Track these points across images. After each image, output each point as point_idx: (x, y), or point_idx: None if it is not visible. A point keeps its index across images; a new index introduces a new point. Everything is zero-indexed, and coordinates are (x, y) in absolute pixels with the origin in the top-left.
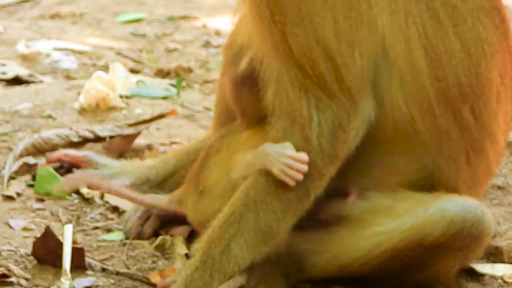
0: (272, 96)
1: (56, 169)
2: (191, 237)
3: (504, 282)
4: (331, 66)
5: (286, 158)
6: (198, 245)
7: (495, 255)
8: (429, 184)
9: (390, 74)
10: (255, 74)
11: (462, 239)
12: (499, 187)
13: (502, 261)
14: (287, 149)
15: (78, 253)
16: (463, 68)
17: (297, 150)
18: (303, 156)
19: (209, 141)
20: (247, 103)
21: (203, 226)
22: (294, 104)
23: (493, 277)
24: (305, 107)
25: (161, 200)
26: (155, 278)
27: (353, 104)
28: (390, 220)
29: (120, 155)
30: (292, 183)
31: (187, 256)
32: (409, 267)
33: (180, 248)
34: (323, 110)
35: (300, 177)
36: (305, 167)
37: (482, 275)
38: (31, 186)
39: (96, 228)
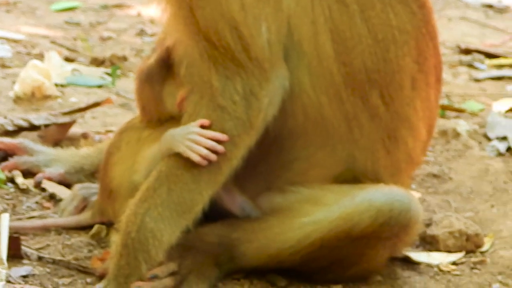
0: (185, 71)
1: None
2: None
3: (440, 270)
4: (237, 37)
5: (192, 134)
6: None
7: (431, 244)
8: (352, 176)
9: (297, 57)
10: (159, 74)
11: (390, 228)
12: (435, 176)
13: (438, 250)
14: (192, 127)
15: (14, 242)
16: (370, 54)
17: (210, 121)
18: (210, 132)
19: (110, 139)
20: (147, 101)
21: None
22: (204, 75)
23: (429, 265)
24: (215, 77)
25: (85, 216)
26: (95, 263)
27: (263, 72)
28: (318, 210)
29: (56, 143)
30: (197, 158)
31: None
32: (340, 259)
33: (115, 236)
34: (232, 79)
35: (205, 152)
36: (211, 143)
37: (418, 263)
38: None
39: (32, 217)
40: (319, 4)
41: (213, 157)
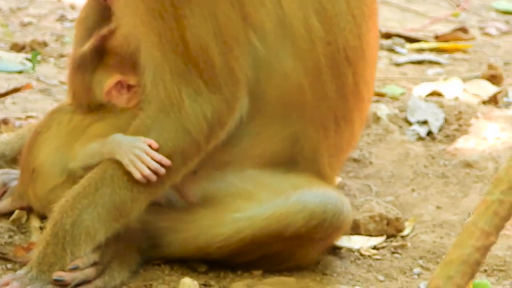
0: (149, 84)
1: None
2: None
3: (361, 255)
4: (223, 60)
5: (139, 150)
6: (49, 218)
7: (352, 228)
8: (291, 153)
9: (283, 44)
10: (91, 63)
11: (324, 230)
12: (355, 160)
13: (359, 234)
14: (141, 143)
15: None
16: (349, 31)
17: (168, 137)
18: (157, 155)
19: (38, 120)
20: (77, 88)
21: (47, 209)
22: (172, 95)
23: (350, 250)
24: (187, 102)
25: (5, 203)
26: (19, 252)
27: (235, 100)
28: (251, 206)
29: None
30: (138, 176)
31: (41, 229)
32: (270, 255)
33: (35, 222)
34: (203, 105)
35: (147, 172)
36: (156, 165)
37: (339, 248)
38: None
39: None
40: None
41: (153, 178)
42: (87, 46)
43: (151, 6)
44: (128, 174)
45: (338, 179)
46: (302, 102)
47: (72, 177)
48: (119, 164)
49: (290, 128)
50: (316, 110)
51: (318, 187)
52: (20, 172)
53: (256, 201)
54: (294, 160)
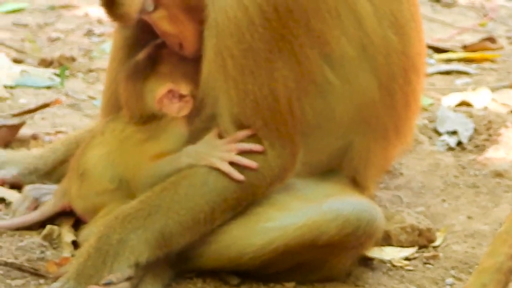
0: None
1: None
2: (76, 226)
3: (393, 266)
4: (300, 107)
5: (225, 151)
6: (94, 231)
7: (383, 239)
8: (337, 163)
9: (365, 66)
10: (143, 71)
11: (357, 238)
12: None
13: (391, 245)
14: (223, 144)
15: None
16: (415, 38)
17: (225, 187)
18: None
19: (94, 127)
20: (130, 97)
21: (88, 213)
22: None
23: (381, 261)
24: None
25: (49, 205)
26: (51, 268)
27: (299, 150)
28: (283, 215)
29: (5, 145)
30: (238, 174)
31: (74, 244)
32: (301, 265)
33: (67, 237)
34: (271, 159)
35: (246, 161)
36: (247, 161)
37: (371, 259)
38: None
39: None
40: None
41: (241, 177)
42: (141, 54)
43: (242, 63)
44: (184, 209)
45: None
46: (371, 116)
47: (120, 187)
48: (176, 197)
49: (346, 140)
50: (382, 121)
51: (351, 196)
52: (68, 172)
53: (288, 210)
54: (336, 170)
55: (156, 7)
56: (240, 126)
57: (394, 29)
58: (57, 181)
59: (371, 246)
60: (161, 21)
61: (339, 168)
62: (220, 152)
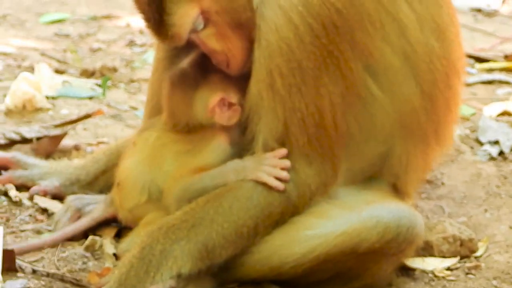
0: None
1: None
2: (118, 236)
3: (435, 276)
4: (344, 123)
5: (269, 164)
6: (136, 242)
7: (425, 249)
8: (378, 169)
9: (409, 75)
10: (193, 78)
11: (398, 245)
12: (427, 181)
13: (432, 255)
14: (267, 158)
15: (8, 255)
16: (455, 42)
17: (266, 200)
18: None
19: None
20: (177, 105)
21: (129, 222)
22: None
23: (423, 271)
24: (295, 173)
25: (97, 212)
26: (93, 279)
27: (340, 165)
28: (324, 223)
29: (48, 156)
30: (278, 184)
31: (115, 255)
32: (343, 272)
33: (109, 248)
34: (310, 175)
35: (285, 174)
36: (286, 174)
37: (413, 269)
38: None
39: (25, 230)
40: (421, 3)
41: (281, 187)
42: (187, 62)
43: (291, 81)
44: (228, 222)
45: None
46: (412, 121)
47: (154, 198)
48: (220, 210)
49: (386, 145)
50: (422, 126)
51: (390, 202)
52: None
53: (328, 218)
54: (377, 177)
55: (205, 25)
56: (283, 143)
57: (435, 34)
58: (99, 191)
59: (411, 253)
60: (210, 39)
61: (380, 175)
62: (267, 167)
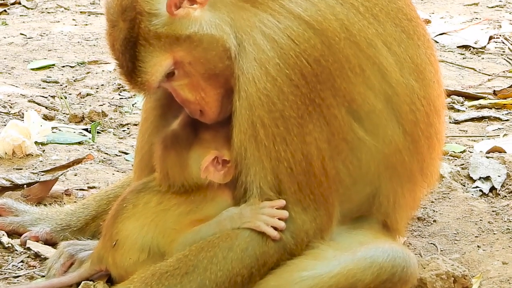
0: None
1: None
2: (110, 281)
3: None
4: (334, 167)
5: (266, 212)
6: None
7: (419, 287)
8: (367, 208)
9: (392, 117)
10: (186, 140)
11: (393, 285)
12: (419, 219)
13: None
14: (264, 207)
15: None
16: (433, 80)
17: (259, 248)
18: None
19: (122, 194)
20: (172, 167)
21: (123, 279)
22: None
23: None
24: (290, 221)
25: (85, 268)
26: None
27: (335, 209)
28: (318, 264)
29: (39, 202)
30: (275, 234)
31: None
32: None
33: None
34: (307, 222)
35: (282, 224)
36: (283, 224)
37: None
38: None
39: (18, 275)
40: (399, 46)
41: (277, 236)
42: (177, 123)
43: (274, 131)
44: (222, 271)
45: (402, 238)
46: (398, 162)
47: (154, 257)
48: (214, 260)
49: (373, 186)
50: (407, 165)
51: (384, 242)
52: (101, 238)
53: (323, 259)
54: (366, 215)
55: (178, 75)
56: (276, 190)
57: (414, 75)
58: (91, 236)
59: None
60: (182, 89)
61: (369, 213)
62: (265, 216)
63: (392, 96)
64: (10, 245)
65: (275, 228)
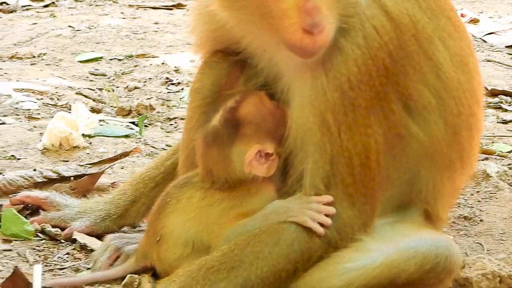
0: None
1: (22, 210)
2: (156, 275)
3: None
4: (385, 162)
5: (312, 207)
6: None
7: (464, 286)
8: (407, 196)
9: (441, 112)
10: (228, 136)
11: (437, 275)
12: (466, 218)
13: None
14: (311, 202)
15: None
16: (475, 71)
17: (306, 243)
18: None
19: (165, 189)
20: (214, 164)
21: (170, 273)
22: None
23: None
24: (338, 214)
25: (129, 264)
26: None
27: (378, 204)
28: (361, 256)
29: (85, 194)
30: (321, 230)
31: None
32: None
33: (147, 287)
34: (353, 217)
35: (329, 221)
36: (329, 221)
37: None
38: None
39: (64, 268)
40: (450, 39)
41: (322, 231)
42: (217, 120)
43: (342, 119)
44: (267, 266)
45: (449, 237)
46: (435, 151)
47: (198, 251)
48: (260, 255)
49: (411, 173)
50: (447, 154)
51: (427, 233)
52: (145, 234)
53: (366, 251)
54: (408, 206)
55: None
56: (329, 184)
57: (461, 68)
58: (132, 222)
59: (449, 284)
60: None
61: (410, 202)
62: (312, 212)
63: (440, 91)
64: (58, 234)
65: (321, 224)
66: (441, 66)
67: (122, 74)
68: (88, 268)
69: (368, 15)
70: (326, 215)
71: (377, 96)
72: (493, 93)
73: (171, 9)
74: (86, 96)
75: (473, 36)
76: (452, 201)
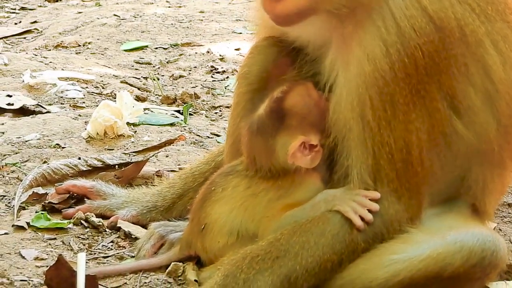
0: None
1: (67, 199)
2: (200, 263)
3: None
4: (430, 159)
5: (358, 200)
6: (220, 269)
7: (508, 273)
8: (456, 191)
9: (489, 112)
10: (273, 126)
11: (483, 269)
12: (510, 205)
13: None
14: (358, 194)
15: (91, 281)
16: None
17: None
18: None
19: (210, 178)
20: (259, 153)
21: (214, 262)
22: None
23: None
24: (384, 209)
25: (174, 252)
26: None
27: (425, 199)
28: (408, 248)
29: (129, 182)
30: (360, 223)
31: (197, 282)
32: None
33: (191, 274)
34: (399, 211)
35: (360, 223)
36: (370, 217)
37: None
38: (41, 216)
39: (108, 256)
40: (505, 42)
41: (362, 226)
42: (263, 109)
43: (381, 114)
44: (313, 257)
45: (493, 224)
46: (487, 150)
47: (242, 240)
48: (306, 245)
49: (463, 169)
50: (498, 153)
51: (474, 226)
52: (189, 223)
53: (412, 243)
54: (455, 199)
55: None
56: (374, 178)
57: (510, 66)
58: (178, 216)
59: (495, 277)
60: None
61: (458, 195)
62: (356, 204)
63: (492, 93)
64: (100, 225)
65: (362, 219)
66: (491, 68)
67: (167, 62)
68: (132, 256)
69: (407, 15)
70: (369, 211)
71: (417, 94)
72: None
73: None
74: (131, 85)
75: None
76: (500, 197)
